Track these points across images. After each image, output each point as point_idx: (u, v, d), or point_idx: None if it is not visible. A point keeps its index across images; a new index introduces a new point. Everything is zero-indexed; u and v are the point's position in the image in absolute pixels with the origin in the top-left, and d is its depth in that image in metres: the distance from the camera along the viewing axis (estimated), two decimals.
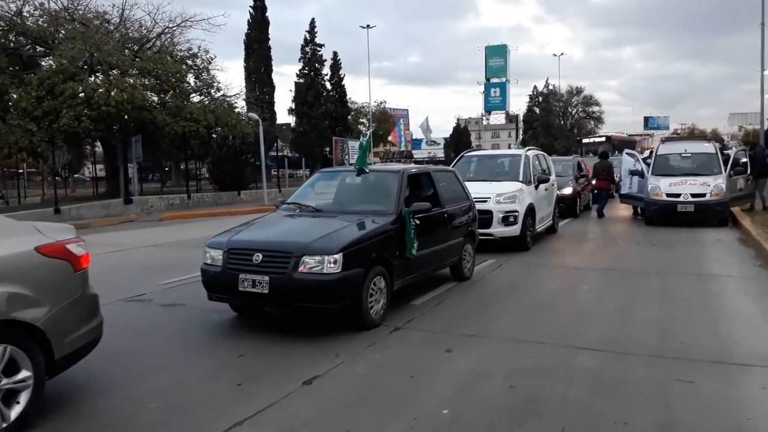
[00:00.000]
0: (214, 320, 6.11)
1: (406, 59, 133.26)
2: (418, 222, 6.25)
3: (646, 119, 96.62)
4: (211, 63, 24.25)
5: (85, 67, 20.26)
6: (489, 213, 10.09)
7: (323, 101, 50.50)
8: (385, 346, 5.22)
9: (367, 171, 6.71)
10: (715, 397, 3.98)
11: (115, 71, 21.23)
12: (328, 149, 47.05)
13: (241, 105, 26.00)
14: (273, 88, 49.52)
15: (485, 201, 10.16)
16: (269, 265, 5.28)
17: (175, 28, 23.21)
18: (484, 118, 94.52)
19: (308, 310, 5.37)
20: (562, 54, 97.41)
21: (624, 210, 16.65)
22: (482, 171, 11.75)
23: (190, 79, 23.88)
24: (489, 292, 7.36)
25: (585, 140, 42.26)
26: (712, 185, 13.45)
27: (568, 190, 15.84)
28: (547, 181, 11.49)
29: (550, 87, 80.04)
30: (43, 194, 29.80)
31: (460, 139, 73.56)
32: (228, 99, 24.91)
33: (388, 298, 5.89)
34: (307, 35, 50.44)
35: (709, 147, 15.11)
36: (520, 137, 18.72)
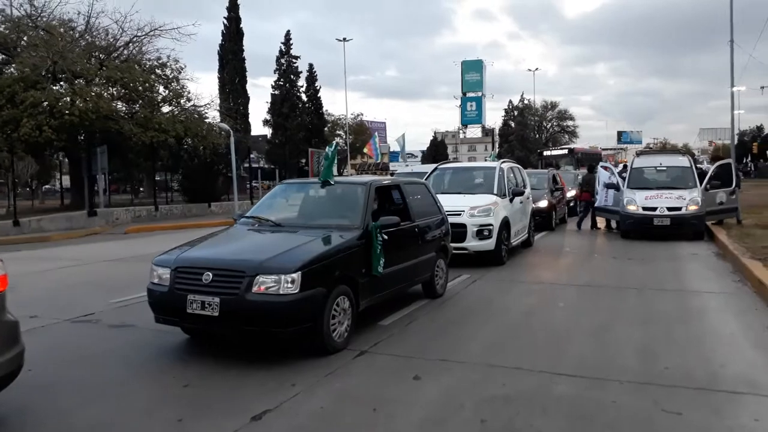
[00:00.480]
0: (163, 343, 5.61)
1: (384, 73, 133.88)
2: (386, 237, 5.86)
3: (620, 134, 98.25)
4: (180, 72, 23.67)
5: (48, 75, 19.55)
6: (463, 226, 9.75)
7: (299, 113, 50.10)
8: (348, 372, 4.78)
9: (333, 183, 6.31)
10: (706, 430, 3.63)
11: (80, 80, 20.55)
12: (304, 161, 46.72)
13: (212, 115, 25.44)
14: (247, 99, 48.98)
15: (459, 214, 9.82)
16: (220, 285, 4.82)
17: (143, 37, 22.62)
18: (460, 131, 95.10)
19: (263, 335, 4.91)
20: (536, 69, 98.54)
21: (599, 222, 16.49)
22: (456, 184, 11.42)
23: (160, 89, 23.22)
24: (462, 310, 6.98)
25: (546, 152, 37.63)
26: (687, 198, 13.33)
27: (543, 203, 15.63)
28: (522, 194, 11.21)
29: (526, 101, 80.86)
30: (8, 206, 28.79)
31: (437, 152, 73.74)
32: (198, 109, 24.30)
33: (353, 320, 5.46)
34: (283, 47, 50.10)
35: (683, 160, 15.05)
36: (496, 150, 18.59)
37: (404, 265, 6.45)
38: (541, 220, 15.42)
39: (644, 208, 13.48)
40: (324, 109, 54.64)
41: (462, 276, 9.07)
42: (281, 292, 4.70)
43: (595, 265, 10.34)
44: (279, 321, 4.75)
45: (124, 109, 22.04)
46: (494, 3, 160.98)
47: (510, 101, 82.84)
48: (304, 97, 52.13)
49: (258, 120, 50.63)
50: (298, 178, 7.28)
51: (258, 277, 4.74)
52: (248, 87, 48.21)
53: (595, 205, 15.48)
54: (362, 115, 72.09)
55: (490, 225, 9.86)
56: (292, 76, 50.37)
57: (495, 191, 10.49)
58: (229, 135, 22.31)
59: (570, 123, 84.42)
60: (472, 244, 9.76)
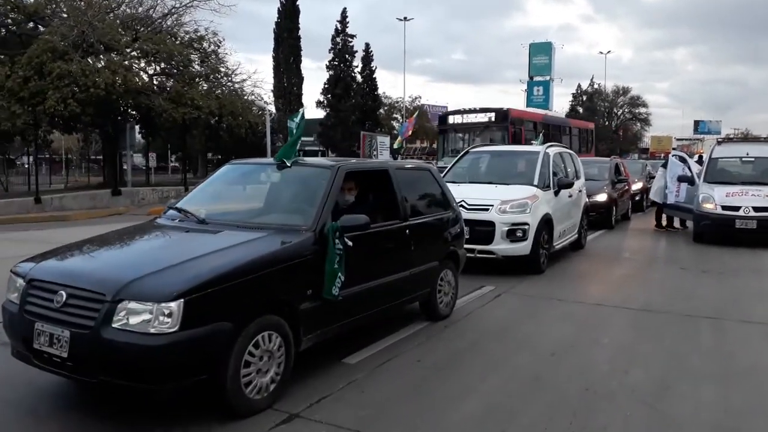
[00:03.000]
0: (31, 379, 4.14)
1: (450, 57, 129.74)
2: (350, 243, 4.16)
3: (697, 123, 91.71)
4: (219, 46, 22.52)
5: (80, 45, 18.73)
6: (491, 225, 7.91)
7: (353, 94, 48.61)
8: None
9: (289, 165, 4.64)
10: None
11: (113, 53, 19.71)
12: (357, 144, 45.32)
13: (251, 92, 24.18)
14: (302, 79, 48.02)
15: (487, 209, 7.99)
16: (73, 311, 3.28)
17: (180, 8, 21.54)
18: None
19: (128, 390, 3.33)
20: (609, 52, 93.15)
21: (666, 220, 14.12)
22: (489, 171, 9.53)
23: (196, 63, 22.16)
24: (467, 343, 5.20)
25: (453, 119, 18.70)
26: None
27: (602, 197, 13.43)
28: (570, 185, 9.19)
29: (596, 86, 76.34)
30: (65, 182, 28.90)
31: None
32: (236, 85, 23.11)
33: (289, 364, 3.82)
34: (338, 25, 48.55)
35: None
36: (541, 134, 16.48)
37: (383, 281, 4.73)
38: (599, 217, 13.23)
39: (724, 207, 11.12)
40: (381, 91, 53.02)
41: (483, 288, 7.25)
42: (151, 331, 3.10)
43: (659, 278, 8.26)
44: (146, 373, 3.16)
45: (157, 83, 21.06)
46: None
47: (579, 85, 78.48)
48: (359, 77, 50.58)
49: (313, 101, 49.53)
50: (250, 159, 5.54)
51: (122, 303, 3.16)
52: (305, 68, 47.22)
53: (666, 201, 13.14)
54: (420, 98, 69.92)
55: (525, 224, 7.95)
56: (347, 56, 48.84)
57: (535, 182, 8.54)
58: (266, 113, 21.00)
59: (643, 110, 79.00)
60: (501, 247, 7.90)
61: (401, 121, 58.95)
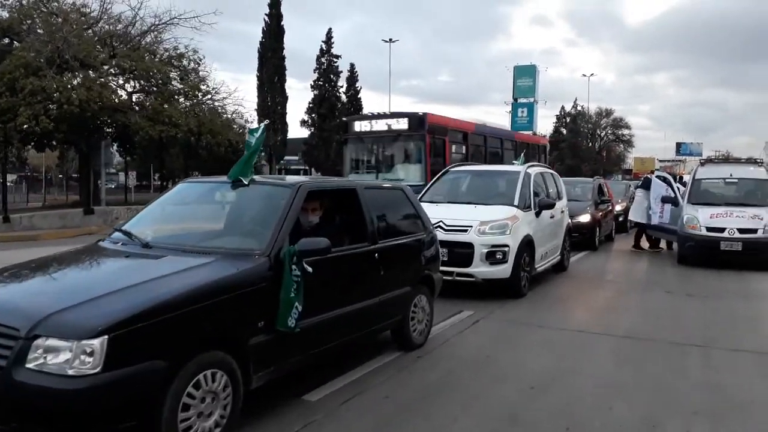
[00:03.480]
0: None
1: (437, 78, 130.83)
2: (310, 269, 3.79)
3: (678, 145, 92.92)
4: (200, 64, 22.20)
5: (55, 61, 18.31)
6: (469, 246, 7.59)
7: (338, 114, 48.49)
8: None
9: (246, 183, 4.28)
10: None
11: (90, 70, 19.30)
12: (341, 164, 45.01)
13: (231, 110, 23.85)
14: (285, 98, 47.72)
15: (465, 231, 7.67)
16: None
17: (160, 25, 21.22)
18: None
19: None
20: (592, 75, 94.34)
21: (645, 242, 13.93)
22: (468, 191, 9.23)
23: (175, 81, 21.81)
24: (440, 376, 4.83)
25: (360, 125, 14.21)
26: (765, 219, 10.70)
27: (585, 218, 13.20)
28: (552, 206, 8.91)
29: (579, 108, 77.13)
30: (43, 200, 28.20)
31: None
32: (215, 103, 22.77)
33: (236, 405, 3.43)
34: (324, 45, 48.65)
35: (760, 172, 12.36)
36: (522, 154, 16.04)
37: (349, 309, 4.36)
38: (582, 238, 12.99)
39: (709, 229, 10.91)
40: (367, 111, 52.87)
41: (462, 313, 6.90)
42: (69, 372, 2.71)
43: (643, 302, 7.96)
44: (65, 420, 2.75)
45: (135, 100, 20.65)
46: (552, 8, 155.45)
47: (562, 107, 79.29)
48: (344, 97, 50.57)
49: (297, 120, 49.17)
50: (204, 177, 5.15)
51: (38, 340, 2.77)
52: (289, 87, 47.15)
53: (650, 222, 12.93)
54: None
55: (505, 246, 7.64)
56: (332, 76, 48.89)
57: (516, 202, 8.25)
58: (246, 131, 20.62)
59: (626, 132, 79.80)
60: (480, 270, 7.57)
61: None
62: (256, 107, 47.39)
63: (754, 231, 10.62)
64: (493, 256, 7.60)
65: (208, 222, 4.39)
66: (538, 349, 5.60)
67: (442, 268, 7.47)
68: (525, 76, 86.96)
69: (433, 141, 13.10)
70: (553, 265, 9.61)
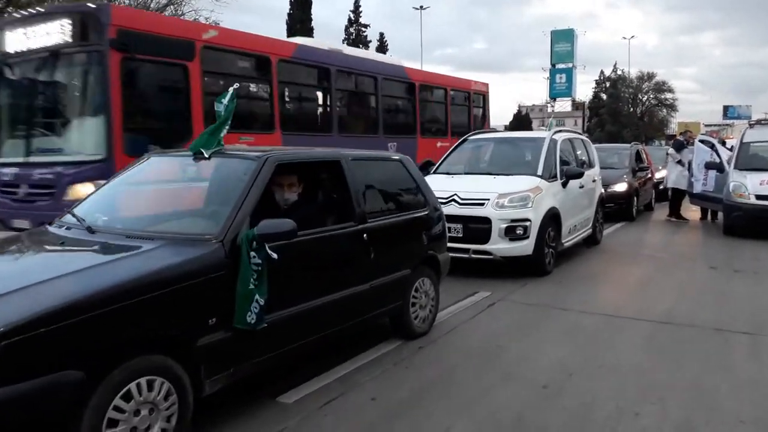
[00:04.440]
0: None
1: (471, 46, 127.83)
2: (275, 256, 3.23)
3: (726, 108, 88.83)
4: None
5: None
6: (487, 221, 6.92)
7: None
8: None
9: (208, 157, 3.72)
10: None
11: None
12: None
13: None
14: None
15: (482, 204, 7.00)
16: None
17: None
18: (549, 105, 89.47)
19: None
20: (632, 37, 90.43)
21: (695, 211, 12.93)
22: (488, 161, 8.53)
23: None
24: (441, 371, 4.24)
25: None
26: None
27: (621, 187, 12.31)
28: (580, 175, 8.10)
29: (619, 72, 74.19)
30: None
31: (521, 126, 68.92)
32: None
33: (185, 415, 2.92)
34: (352, 15, 47.79)
35: None
36: (552, 118, 14.68)
37: (330, 299, 3.80)
38: (618, 208, 12.15)
39: (758, 197, 9.92)
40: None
41: (477, 294, 6.28)
42: None
43: (684, 279, 7.17)
44: None
45: None
46: None
47: (602, 71, 76.46)
48: None
49: None
50: (172, 150, 4.56)
51: None
52: None
53: (692, 190, 11.95)
54: None
55: (527, 220, 6.94)
56: (360, 46, 47.81)
57: (539, 172, 7.50)
58: None
59: (669, 96, 76.53)
60: (499, 246, 6.90)
61: None
62: None
63: None
64: (513, 231, 6.91)
65: (169, 202, 3.85)
66: (557, 338, 4.94)
67: (457, 245, 6.96)
68: (563, 40, 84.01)
69: (126, 67, 6.67)
70: (583, 239, 8.86)
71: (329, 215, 4.10)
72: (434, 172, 8.35)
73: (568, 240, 8.00)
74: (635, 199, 12.81)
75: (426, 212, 5.00)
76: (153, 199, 3.81)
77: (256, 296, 3.15)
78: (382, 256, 4.33)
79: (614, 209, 11.93)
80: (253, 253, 3.15)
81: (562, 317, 5.56)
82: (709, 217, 12.30)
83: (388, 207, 4.57)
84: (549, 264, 7.32)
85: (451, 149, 8.96)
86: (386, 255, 4.40)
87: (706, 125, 68.23)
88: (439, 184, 7.59)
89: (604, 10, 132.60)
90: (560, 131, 8.83)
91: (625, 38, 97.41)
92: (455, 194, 7.16)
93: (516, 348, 4.70)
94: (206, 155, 3.73)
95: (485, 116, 14.87)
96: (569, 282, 7.00)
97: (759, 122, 12.36)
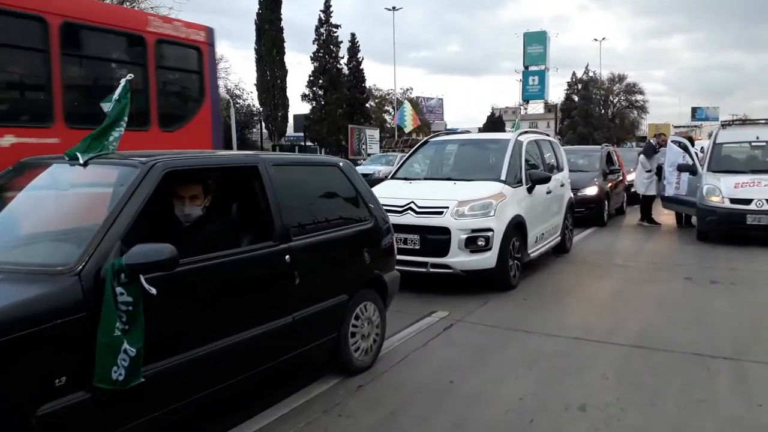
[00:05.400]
0: None
1: (445, 48, 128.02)
2: (153, 291, 2.53)
3: (694, 110, 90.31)
4: None
5: None
6: (446, 232, 6.29)
7: (339, 86, 46.87)
8: None
9: (83, 163, 3.01)
10: None
11: None
12: (344, 138, 43.38)
13: (221, 84, 22.41)
14: (285, 72, 46.25)
15: (441, 213, 6.37)
16: None
17: None
18: (522, 107, 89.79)
19: None
20: (603, 39, 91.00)
21: (668, 215, 12.50)
22: (448, 165, 7.93)
23: None
24: (376, 420, 3.57)
25: None
26: None
27: (591, 191, 11.82)
28: (547, 179, 7.53)
29: (591, 74, 74.69)
30: None
31: (494, 128, 68.81)
32: None
33: None
34: (322, 15, 46.89)
35: None
36: (518, 119, 14.19)
37: (236, 339, 3.10)
38: (589, 213, 11.66)
39: (733, 200, 9.50)
40: (372, 84, 51.29)
41: (433, 315, 5.65)
42: None
43: (658, 293, 6.63)
44: None
45: None
46: None
47: (573, 73, 77.00)
48: (345, 69, 48.87)
49: (298, 95, 46.99)
50: (48, 156, 3.76)
51: None
52: (289, 62, 45.63)
53: (663, 193, 11.53)
54: (411, 89, 68.16)
55: (489, 230, 6.33)
56: (331, 47, 47.22)
57: (503, 176, 6.90)
58: (228, 105, 19.34)
59: (639, 97, 77.39)
60: (459, 259, 6.28)
61: (392, 113, 57.16)
62: (255, 82, 46.17)
63: None
64: (474, 242, 6.30)
65: (24, 221, 3.09)
66: (518, 369, 4.32)
67: (414, 258, 6.34)
68: (535, 42, 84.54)
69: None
70: (551, 247, 8.30)
71: (243, 233, 3.42)
72: (391, 177, 7.72)
73: (534, 250, 7.42)
74: (606, 203, 12.34)
75: (369, 225, 4.34)
76: (4, 218, 3.06)
77: (125, 345, 2.46)
78: (311, 280, 3.65)
79: (585, 214, 11.45)
80: (120, 289, 2.46)
81: (525, 342, 4.95)
82: (683, 221, 11.88)
83: (320, 221, 3.89)
84: (514, 277, 6.73)
85: (410, 152, 8.33)
86: (316, 279, 3.73)
87: (676, 126, 69.05)
88: (395, 191, 7.00)
89: (576, 13, 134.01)
90: (526, 132, 8.26)
91: (596, 40, 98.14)
92: (412, 202, 6.53)
93: (471, 383, 4.06)
94: (81, 161, 3.01)
95: (204, 89, 7.73)
96: (534, 298, 6.41)
97: (732, 122, 11.99)
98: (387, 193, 7.00)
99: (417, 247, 6.37)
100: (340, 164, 4.34)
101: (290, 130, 49.01)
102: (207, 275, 2.96)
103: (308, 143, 46.19)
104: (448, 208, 6.36)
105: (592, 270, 7.95)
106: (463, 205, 6.38)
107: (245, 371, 3.22)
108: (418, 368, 4.37)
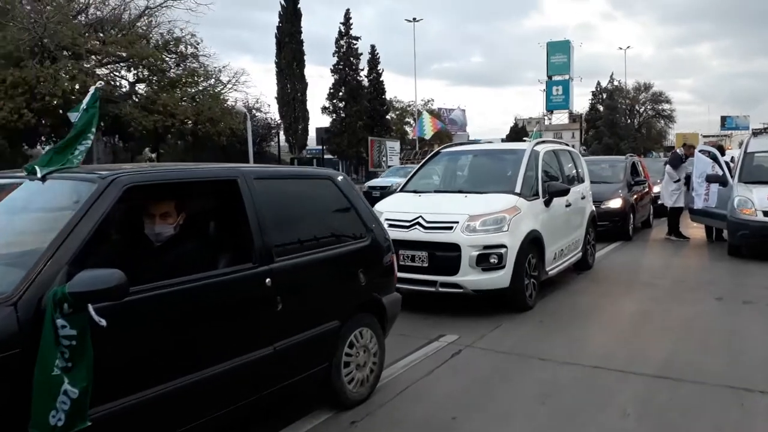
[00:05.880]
0: None
1: (468, 59, 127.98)
2: (103, 322, 2.23)
3: (723, 119, 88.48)
4: (197, 48, 20.77)
5: (40, 50, 17.19)
6: (456, 249, 5.92)
7: (359, 99, 46.79)
8: None
9: (41, 177, 2.74)
10: None
11: (78, 60, 18.13)
12: (365, 151, 43.19)
13: (234, 97, 22.40)
14: (305, 85, 46.42)
15: (450, 228, 6.01)
16: None
17: (154, 8, 19.88)
18: (546, 117, 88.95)
19: None
20: (628, 47, 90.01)
21: (696, 229, 11.91)
22: (461, 177, 7.57)
23: (172, 69, 20.52)
24: None
25: None
26: None
27: (615, 203, 11.32)
28: (565, 192, 7.11)
29: (616, 83, 73.66)
30: None
31: (517, 138, 68.12)
32: (216, 89, 21.36)
33: None
34: (342, 27, 46.89)
35: None
36: (535, 130, 13.85)
37: (205, 374, 2.78)
38: (613, 227, 11.15)
39: (766, 213, 8.96)
40: (393, 95, 51.10)
41: (442, 339, 5.27)
42: None
43: (686, 315, 6.15)
44: None
45: (125, 90, 19.45)
46: None
47: (598, 82, 76.03)
48: (365, 81, 48.81)
49: (318, 108, 46.96)
50: (5, 171, 3.50)
51: None
52: (309, 75, 45.86)
53: (692, 205, 10.98)
54: (432, 101, 67.74)
55: (502, 246, 5.94)
56: (351, 59, 47.18)
57: (518, 189, 6.52)
58: (246, 119, 19.27)
59: (666, 107, 75.96)
60: (470, 278, 5.89)
61: (413, 125, 56.78)
62: (276, 95, 46.31)
63: None
64: (486, 259, 5.91)
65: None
66: (528, 405, 3.92)
67: (422, 277, 6.00)
68: (559, 52, 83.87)
69: None
70: (572, 264, 7.86)
71: (219, 254, 3.10)
72: (401, 191, 7.39)
73: (552, 267, 6.99)
74: (631, 216, 11.81)
75: (365, 243, 4.00)
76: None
77: (66, 385, 2.15)
78: (296, 306, 3.33)
79: (608, 228, 10.94)
80: (62, 321, 2.16)
81: (539, 371, 4.54)
82: (713, 235, 11.29)
83: (308, 240, 3.57)
84: (530, 297, 6.32)
85: (421, 163, 7.99)
86: (303, 304, 3.40)
87: (704, 136, 67.63)
88: (403, 205, 6.68)
89: (601, 22, 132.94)
90: (543, 142, 7.87)
91: (621, 48, 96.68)
92: (420, 216, 6.19)
93: (476, 421, 3.67)
94: (39, 175, 2.74)
95: None
96: (552, 320, 5.98)
97: (764, 131, 11.40)
98: (394, 207, 6.68)
99: (425, 264, 6.01)
100: (335, 177, 4.01)
101: (312, 143, 49.04)
102: (173, 301, 2.65)
103: (328, 156, 46.16)
104: (458, 222, 6.00)
105: (616, 288, 7.48)
106: (475, 219, 6.01)
107: (218, 409, 2.89)
108: (420, 401, 4.00)
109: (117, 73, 20.29)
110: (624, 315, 6.27)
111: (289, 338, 3.26)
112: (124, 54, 18.50)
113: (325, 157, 44.46)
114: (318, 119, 47.90)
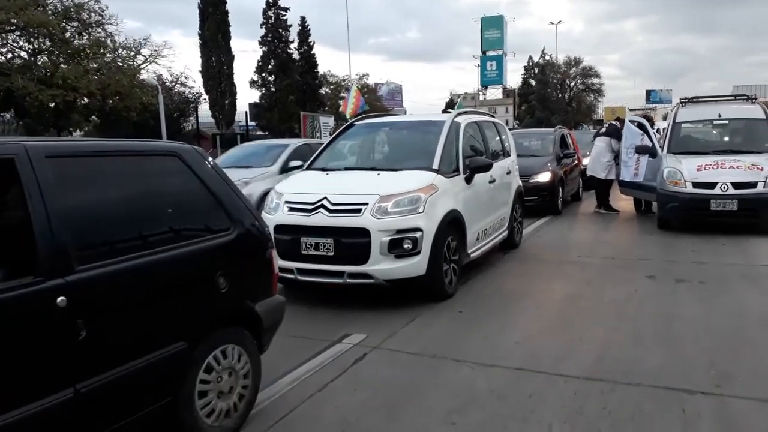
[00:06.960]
0: None
1: (405, 35, 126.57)
2: None
3: (648, 93, 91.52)
4: (103, 15, 18.92)
5: None
6: (365, 234, 5.14)
7: (290, 72, 45.05)
8: None
9: None
10: None
11: None
12: (297, 126, 41.70)
13: (155, 70, 20.68)
14: (231, 57, 44.20)
15: (359, 211, 5.22)
16: None
17: None
18: (480, 93, 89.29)
19: None
20: (559, 22, 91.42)
21: (625, 201, 11.63)
22: (376, 153, 6.78)
23: (75, 39, 18.63)
24: None
25: None
26: (767, 169, 8.44)
27: (544, 177, 10.85)
28: (488, 167, 6.43)
29: (547, 58, 74.64)
30: None
31: None
32: (128, 62, 19.63)
33: None
34: None
35: (755, 110, 10.00)
36: (460, 100, 13.38)
37: None
38: (542, 201, 10.71)
39: (696, 184, 8.62)
40: (327, 69, 49.49)
41: (346, 340, 4.51)
42: None
43: (618, 297, 5.62)
44: None
45: (19, 61, 17.52)
46: None
47: (530, 57, 76.86)
48: (296, 55, 47.06)
49: (246, 82, 44.39)
50: None
51: None
52: (236, 48, 43.62)
53: (620, 178, 10.65)
54: (367, 75, 66.40)
55: (417, 230, 5.21)
56: (281, 30, 45.37)
57: (435, 165, 5.78)
58: (157, 92, 17.75)
59: (595, 81, 77.74)
60: (381, 267, 5.14)
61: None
62: (200, 69, 43.91)
63: (753, 185, 8.35)
64: (400, 245, 5.17)
65: None
66: (438, 424, 3.21)
67: (327, 267, 5.21)
68: (492, 27, 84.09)
69: None
70: (497, 243, 7.25)
71: None
72: (306, 168, 6.52)
73: (475, 249, 6.35)
74: (561, 189, 11.39)
75: (228, 238, 3.13)
76: None
77: None
78: (111, 330, 2.46)
79: (537, 202, 10.51)
80: None
81: (453, 377, 3.85)
82: (642, 207, 11.01)
83: (133, 238, 2.68)
84: (450, 284, 5.64)
85: (331, 137, 7.14)
86: (122, 327, 2.52)
87: (631, 110, 69.49)
88: (307, 185, 5.84)
89: None
90: (465, 113, 7.16)
91: (552, 23, 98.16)
92: (325, 198, 5.36)
93: None
94: None
95: None
96: (472, 309, 5.32)
97: (691, 100, 11.11)
98: (297, 187, 5.84)
99: (331, 253, 5.22)
100: (183, 153, 3.10)
101: (241, 118, 47.03)
102: None
103: (259, 132, 44.40)
104: (367, 204, 5.21)
105: (543, 269, 6.93)
106: (386, 200, 5.23)
107: None
108: (308, 426, 3.22)
109: (14, 43, 18.23)
110: (552, 301, 5.68)
111: (100, 375, 2.38)
112: (14, 21, 16.52)
113: (257, 133, 42.61)
114: (248, 94, 45.91)
